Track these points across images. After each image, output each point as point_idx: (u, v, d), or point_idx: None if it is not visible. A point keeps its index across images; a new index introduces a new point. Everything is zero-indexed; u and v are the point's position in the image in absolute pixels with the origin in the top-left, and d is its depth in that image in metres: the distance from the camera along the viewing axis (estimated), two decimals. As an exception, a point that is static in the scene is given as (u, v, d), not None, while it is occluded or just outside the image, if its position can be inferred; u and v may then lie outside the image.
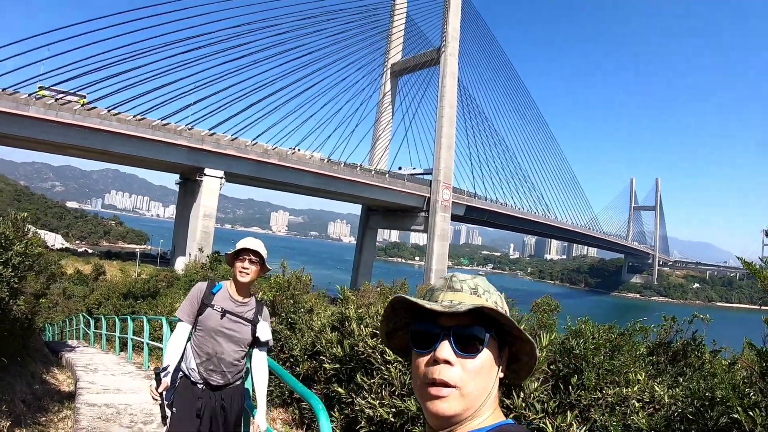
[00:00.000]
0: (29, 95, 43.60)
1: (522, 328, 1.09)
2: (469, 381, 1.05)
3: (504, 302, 1.18)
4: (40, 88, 44.09)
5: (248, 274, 3.50)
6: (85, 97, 45.92)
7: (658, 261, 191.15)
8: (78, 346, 15.29)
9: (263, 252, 3.54)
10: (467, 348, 1.07)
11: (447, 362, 1.05)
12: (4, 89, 42.67)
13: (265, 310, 3.74)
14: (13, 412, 4.94)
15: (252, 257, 3.49)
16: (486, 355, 1.08)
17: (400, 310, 1.19)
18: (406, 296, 1.12)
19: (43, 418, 5.75)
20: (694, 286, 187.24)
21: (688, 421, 2.45)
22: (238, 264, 3.48)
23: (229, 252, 3.58)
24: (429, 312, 1.09)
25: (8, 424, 4.57)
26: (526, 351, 1.16)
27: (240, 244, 3.52)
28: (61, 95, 44.48)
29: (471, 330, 1.08)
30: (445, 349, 1.06)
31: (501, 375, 1.15)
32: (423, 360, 1.10)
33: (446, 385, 1.04)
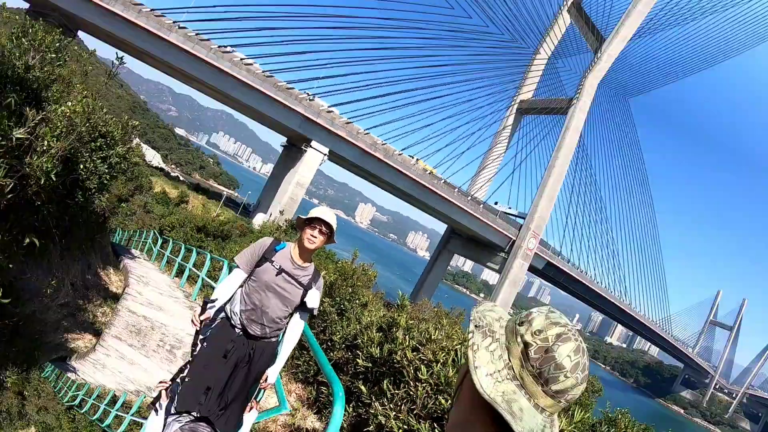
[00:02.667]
0: (173, 22, 45.90)
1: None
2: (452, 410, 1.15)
3: (476, 337, 1.10)
4: None
5: (315, 242, 3.50)
6: None
7: (715, 383, 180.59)
8: (139, 257, 15.97)
9: (335, 225, 3.52)
10: None
11: None
12: (152, 9, 45.22)
13: (321, 280, 3.72)
14: (60, 289, 5.13)
15: (323, 228, 3.48)
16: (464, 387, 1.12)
17: None
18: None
19: (84, 305, 5.95)
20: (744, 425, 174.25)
21: None
22: (308, 230, 3.48)
23: (302, 216, 3.56)
24: None
25: (50, 292, 4.73)
26: None
27: (314, 212, 3.51)
28: None
29: None
30: None
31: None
32: None
33: None
